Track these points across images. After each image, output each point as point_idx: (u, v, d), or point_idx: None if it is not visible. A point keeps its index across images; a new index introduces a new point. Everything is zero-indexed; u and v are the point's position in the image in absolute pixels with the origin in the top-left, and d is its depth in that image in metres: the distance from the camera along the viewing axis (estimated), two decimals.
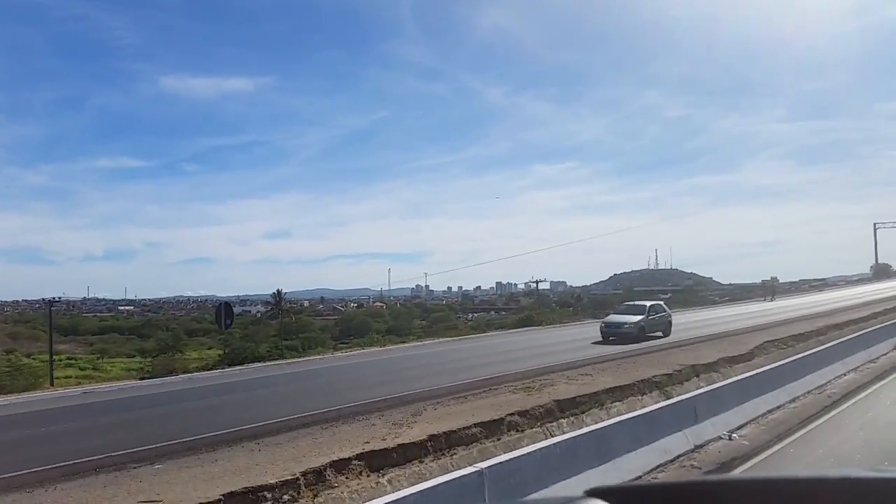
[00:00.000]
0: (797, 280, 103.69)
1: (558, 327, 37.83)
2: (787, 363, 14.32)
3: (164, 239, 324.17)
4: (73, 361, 40.89)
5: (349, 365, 22.41)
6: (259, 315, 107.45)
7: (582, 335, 27.15)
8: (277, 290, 70.05)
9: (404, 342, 33.98)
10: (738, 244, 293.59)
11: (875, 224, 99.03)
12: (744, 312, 36.91)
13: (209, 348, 52.73)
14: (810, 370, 14.76)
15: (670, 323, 26.39)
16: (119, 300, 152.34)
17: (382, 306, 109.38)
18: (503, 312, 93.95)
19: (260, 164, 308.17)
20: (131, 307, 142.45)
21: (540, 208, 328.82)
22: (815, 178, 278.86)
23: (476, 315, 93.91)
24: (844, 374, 16.19)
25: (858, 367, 17.31)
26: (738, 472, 8.64)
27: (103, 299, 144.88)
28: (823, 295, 55.76)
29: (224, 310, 26.61)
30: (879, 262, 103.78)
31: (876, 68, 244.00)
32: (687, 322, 30.33)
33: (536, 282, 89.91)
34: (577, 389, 13.04)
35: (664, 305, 27.79)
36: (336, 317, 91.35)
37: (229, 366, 29.31)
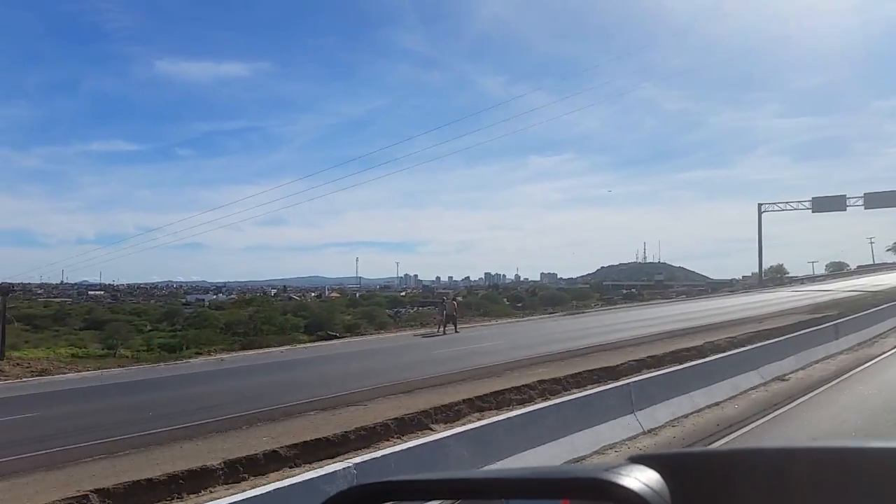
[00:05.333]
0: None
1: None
2: None
3: (156, 223, 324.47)
4: None
5: None
6: (207, 305, 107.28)
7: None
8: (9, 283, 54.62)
9: None
10: (730, 239, 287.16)
11: (760, 205, 73.01)
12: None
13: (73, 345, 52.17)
14: None
15: None
16: (94, 284, 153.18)
17: (337, 296, 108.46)
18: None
19: (254, 150, 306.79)
20: (102, 292, 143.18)
21: (535, 200, 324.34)
22: (811, 174, 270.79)
23: (423, 309, 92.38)
24: None
25: None
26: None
27: (76, 284, 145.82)
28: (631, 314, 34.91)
29: None
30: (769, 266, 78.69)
31: (875, 65, 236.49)
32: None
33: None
34: None
35: None
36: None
37: None
